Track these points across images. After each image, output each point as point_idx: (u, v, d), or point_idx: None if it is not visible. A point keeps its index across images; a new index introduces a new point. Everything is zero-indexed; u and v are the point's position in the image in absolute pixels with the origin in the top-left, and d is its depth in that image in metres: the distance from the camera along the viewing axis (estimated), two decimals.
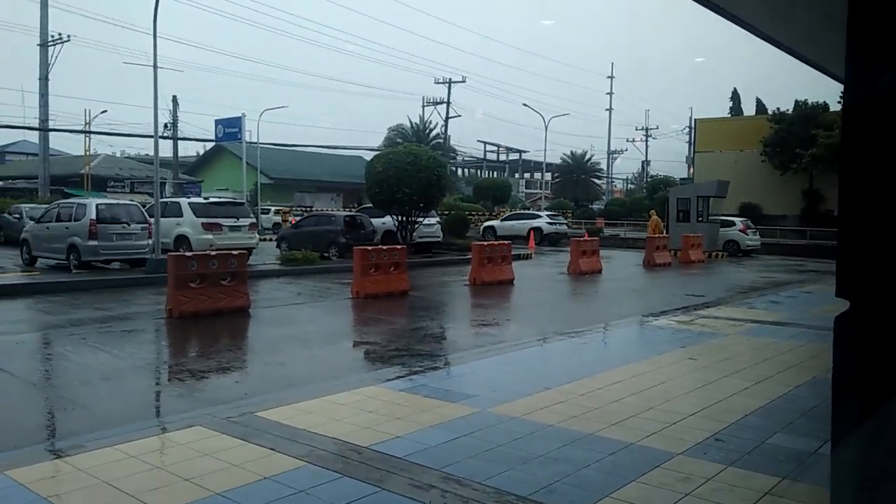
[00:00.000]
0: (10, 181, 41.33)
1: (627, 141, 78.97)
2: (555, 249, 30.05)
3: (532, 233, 30.23)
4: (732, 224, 29.41)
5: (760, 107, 48.94)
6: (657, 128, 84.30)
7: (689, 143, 61.63)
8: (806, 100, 37.90)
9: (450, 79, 53.53)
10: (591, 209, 57.23)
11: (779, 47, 9.14)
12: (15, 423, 5.83)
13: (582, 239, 22.24)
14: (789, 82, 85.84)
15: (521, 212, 36.23)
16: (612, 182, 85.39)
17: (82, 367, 7.81)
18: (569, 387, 6.38)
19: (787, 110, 38.28)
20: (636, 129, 79.23)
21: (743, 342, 8.89)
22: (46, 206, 20.89)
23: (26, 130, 51.42)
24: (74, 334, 9.69)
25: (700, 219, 28.83)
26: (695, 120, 46.81)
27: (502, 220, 33.34)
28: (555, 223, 33.81)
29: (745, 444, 4.86)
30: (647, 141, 78.15)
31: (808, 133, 35.10)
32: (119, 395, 6.86)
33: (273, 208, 39.94)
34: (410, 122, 55.21)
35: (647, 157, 79.84)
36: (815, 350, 8.37)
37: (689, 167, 53.52)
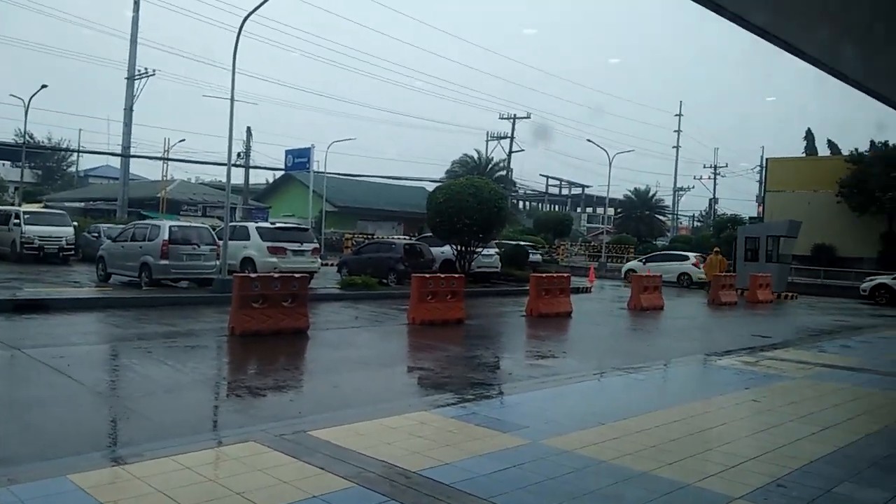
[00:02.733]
0: (91, 202, 43.54)
1: (695, 178, 77.31)
2: (615, 285, 29.55)
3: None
4: (686, 258, 31.40)
5: (833, 148, 47.28)
6: (726, 166, 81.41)
7: (760, 181, 59.86)
8: (886, 141, 36.44)
9: (514, 114, 53.85)
10: (654, 245, 56.05)
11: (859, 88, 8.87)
12: (79, 430, 6.05)
13: (644, 275, 21.79)
14: (863, 123, 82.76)
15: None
16: (678, 219, 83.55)
17: (146, 379, 8.08)
18: (624, 423, 6.22)
19: (866, 151, 36.91)
20: (704, 167, 77.40)
21: (811, 386, 8.49)
22: (123, 226, 21.86)
23: (110, 156, 54.42)
24: (141, 347, 10.07)
25: (770, 258, 27.95)
26: (766, 159, 45.51)
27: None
28: (529, 253, 34.58)
29: (810, 491, 4.61)
30: (715, 179, 76.20)
31: (888, 175, 33.67)
32: (179, 407, 7.05)
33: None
34: (474, 155, 55.68)
35: (714, 194, 77.84)
36: (889, 398, 7.92)
37: (759, 206, 51.91)
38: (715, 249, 28.51)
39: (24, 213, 24.62)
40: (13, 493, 4.03)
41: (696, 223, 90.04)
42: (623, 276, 31.34)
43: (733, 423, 6.43)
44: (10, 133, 57.77)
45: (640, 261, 32.71)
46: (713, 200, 78.16)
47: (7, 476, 4.34)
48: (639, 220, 60.39)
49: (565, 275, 18.33)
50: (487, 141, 56.17)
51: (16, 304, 13.01)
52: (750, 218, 46.97)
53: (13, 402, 7.02)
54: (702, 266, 30.24)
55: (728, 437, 5.90)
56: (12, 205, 34.19)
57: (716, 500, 4.34)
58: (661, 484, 4.63)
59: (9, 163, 58.05)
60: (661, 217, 65.99)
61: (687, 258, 31.37)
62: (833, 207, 36.33)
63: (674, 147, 73.72)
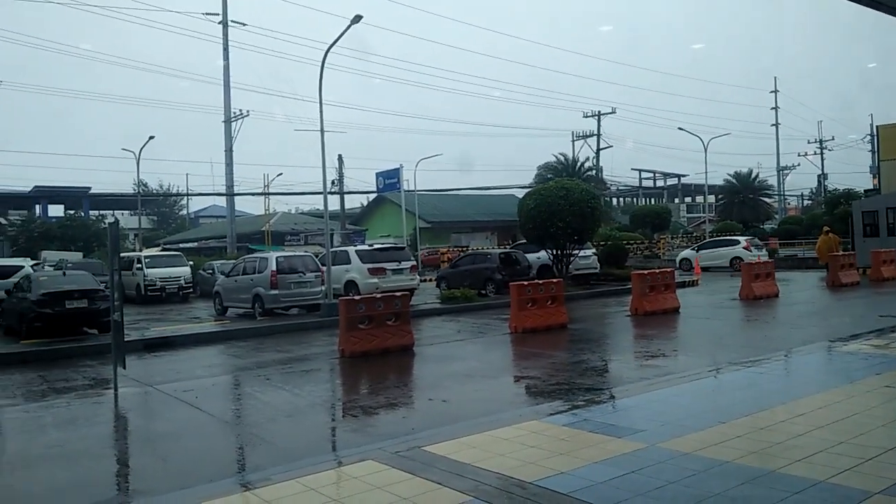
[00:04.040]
0: (203, 241, 46.31)
1: (799, 155, 73.17)
2: (723, 275, 28.33)
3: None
4: (737, 242, 31.45)
5: None
6: (833, 139, 76.58)
7: (872, 151, 55.91)
8: None
9: (599, 111, 52.90)
10: (762, 229, 53.38)
11: None
12: (210, 458, 6.45)
13: (754, 262, 20.78)
14: None
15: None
16: (785, 199, 79.24)
17: (267, 406, 8.49)
18: (746, 420, 5.96)
19: None
20: (808, 143, 73.29)
21: None
22: (234, 261, 23.07)
23: (216, 196, 57.78)
24: (260, 375, 10.59)
25: (892, 232, 26.01)
26: (876, 127, 42.36)
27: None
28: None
29: None
30: (822, 154, 72.01)
31: None
32: (299, 430, 7.37)
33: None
34: (561, 157, 55.02)
35: (823, 170, 73.38)
36: None
37: (873, 177, 48.36)
38: (825, 229, 26.79)
39: (145, 257, 26.47)
40: None
41: (805, 202, 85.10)
42: (678, 265, 30.21)
43: (865, 413, 6.02)
44: (127, 184, 62.36)
45: (694, 249, 32.66)
46: (822, 176, 73.70)
47: None
48: (742, 204, 57.66)
49: (668, 269, 17.77)
50: (573, 141, 55.48)
51: (145, 343, 14.00)
52: (865, 191, 43.87)
53: (150, 435, 7.56)
54: (753, 249, 30.45)
55: (861, 427, 5.54)
56: (133, 251, 36.82)
57: (852, 497, 4.10)
58: (791, 482, 4.41)
59: (127, 212, 62.62)
60: (766, 200, 62.78)
61: (738, 242, 31.55)
62: None
63: (773, 125, 70.30)
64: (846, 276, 21.19)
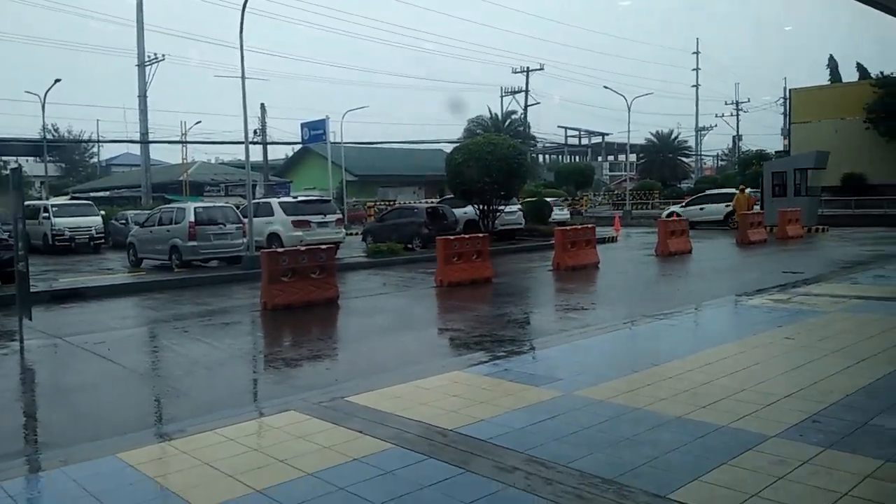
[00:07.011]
0: (115, 191, 44.15)
1: (717, 116, 75.85)
2: (642, 232, 29.30)
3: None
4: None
5: (863, 72, 45.70)
6: (748, 101, 79.52)
7: (784, 114, 58.45)
8: None
9: (527, 67, 53.05)
10: (679, 188, 55.40)
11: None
12: (124, 411, 6.26)
13: (670, 220, 21.57)
14: (893, 46, 79.85)
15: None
16: (702, 159, 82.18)
17: (185, 358, 8.29)
18: (657, 370, 6.24)
19: (893, 73, 35.67)
20: (725, 104, 75.79)
21: (845, 319, 8.40)
22: (149, 211, 22.15)
23: (129, 144, 54.91)
24: (178, 328, 10.30)
25: (798, 192, 27.48)
26: (789, 90, 44.30)
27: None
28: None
29: (846, 425, 4.60)
30: (737, 115, 74.67)
31: None
32: (219, 382, 7.25)
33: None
34: (490, 112, 55.11)
35: (738, 131, 76.31)
36: None
37: (784, 139, 50.72)
38: (741, 187, 28.03)
39: (53, 206, 25.08)
40: (66, 474, 4.21)
41: (720, 162, 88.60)
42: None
43: (767, 363, 6.41)
44: (32, 130, 58.56)
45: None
46: (737, 137, 76.76)
47: (59, 458, 4.53)
48: (662, 164, 59.63)
49: (590, 226, 18.22)
50: (502, 97, 55.61)
51: (53, 294, 13.35)
52: (776, 152, 46.02)
53: (60, 388, 7.27)
54: (555, 208, 31.21)
55: (762, 376, 5.90)
56: (39, 199, 34.77)
57: (750, 440, 4.37)
58: (696, 427, 4.66)
59: (33, 159, 58.84)
60: (684, 159, 65.05)
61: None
62: (861, 134, 35.40)
63: (693, 86, 72.28)
64: (755, 234, 22.29)
